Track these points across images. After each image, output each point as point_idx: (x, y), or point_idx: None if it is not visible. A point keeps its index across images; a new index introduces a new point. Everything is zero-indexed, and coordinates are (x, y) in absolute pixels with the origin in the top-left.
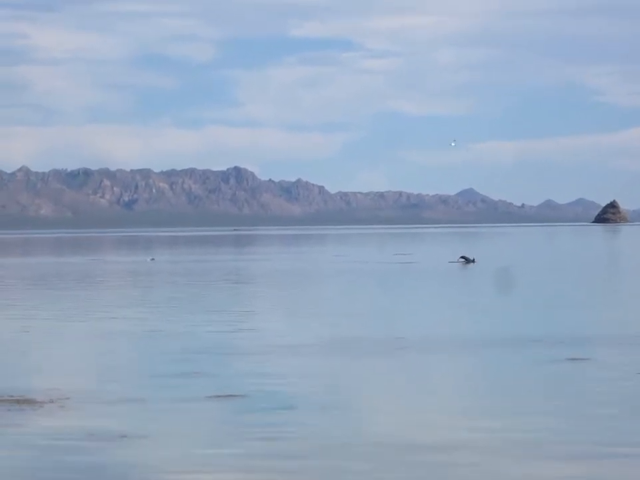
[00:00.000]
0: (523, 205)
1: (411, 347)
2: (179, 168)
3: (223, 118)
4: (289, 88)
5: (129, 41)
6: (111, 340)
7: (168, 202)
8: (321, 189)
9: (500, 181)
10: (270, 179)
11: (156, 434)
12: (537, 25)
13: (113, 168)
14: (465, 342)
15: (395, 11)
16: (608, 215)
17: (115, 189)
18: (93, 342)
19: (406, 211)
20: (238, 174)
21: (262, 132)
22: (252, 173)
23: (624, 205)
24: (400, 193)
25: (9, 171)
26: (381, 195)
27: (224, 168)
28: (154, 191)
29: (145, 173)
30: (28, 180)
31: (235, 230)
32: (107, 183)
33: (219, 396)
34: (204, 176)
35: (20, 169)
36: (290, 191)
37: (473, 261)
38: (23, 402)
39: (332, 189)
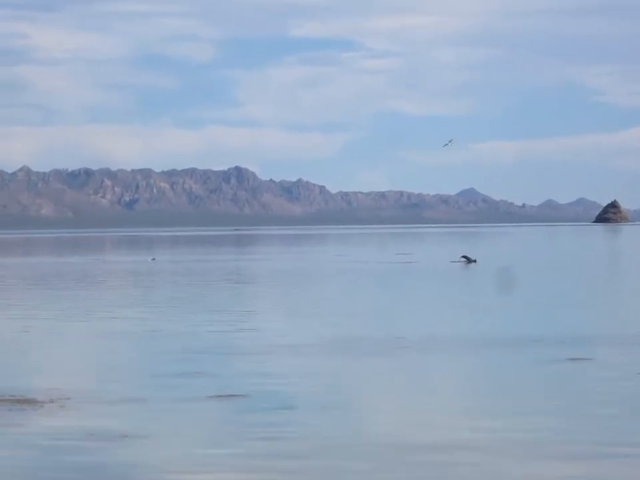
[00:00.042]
0: (523, 205)
1: (411, 347)
2: (179, 168)
3: (223, 118)
4: (289, 88)
5: (128, 41)
6: (112, 340)
7: (169, 202)
8: (322, 188)
9: (501, 181)
10: (271, 179)
11: (157, 434)
12: (537, 25)
13: (113, 168)
14: (466, 342)
15: (395, 10)
16: (609, 214)
17: (115, 188)
18: (93, 342)
19: (407, 210)
20: (239, 174)
21: (262, 132)
22: (253, 173)
23: (625, 205)
24: (401, 193)
25: (9, 171)
26: (382, 195)
27: (225, 168)
28: (155, 190)
29: (146, 173)
30: (29, 180)
31: (235, 230)
32: (107, 182)
33: (219, 396)
34: (205, 176)
35: (21, 169)
36: (291, 190)
37: (475, 261)
38: (24, 402)
39: (333, 188)
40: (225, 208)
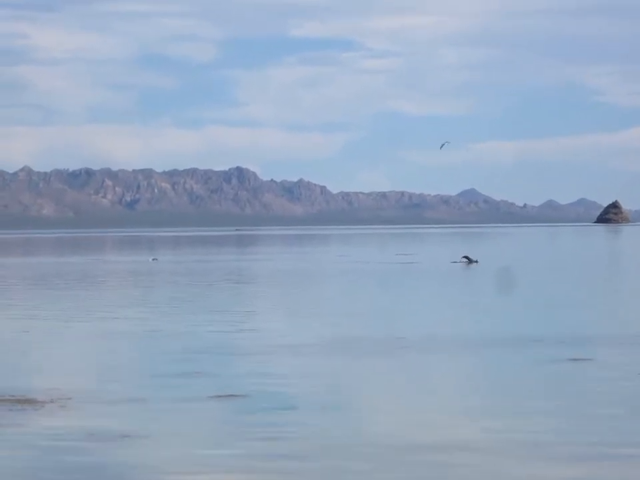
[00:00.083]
0: (524, 205)
1: (412, 347)
2: (180, 168)
3: (224, 118)
4: (289, 88)
5: (129, 41)
6: (112, 340)
7: (170, 202)
8: (323, 189)
9: (501, 181)
10: (272, 179)
11: (157, 434)
12: (537, 25)
13: (114, 168)
14: (466, 342)
15: (395, 10)
16: (610, 215)
17: (116, 188)
18: (94, 342)
19: (408, 211)
20: (240, 174)
21: (262, 132)
22: (254, 173)
23: (626, 205)
24: (402, 193)
25: (11, 171)
26: (383, 195)
27: (226, 168)
28: (156, 191)
29: (147, 173)
30: (30, 180)
31: (237, 230)
32: (108, 182)
33: (220, 396)
34: (206, 176)
35: (22, 169)
36: (292, 191)
37: (476, 261)
38: (24, 402)
39: (334, 189)
40: (226, 208)
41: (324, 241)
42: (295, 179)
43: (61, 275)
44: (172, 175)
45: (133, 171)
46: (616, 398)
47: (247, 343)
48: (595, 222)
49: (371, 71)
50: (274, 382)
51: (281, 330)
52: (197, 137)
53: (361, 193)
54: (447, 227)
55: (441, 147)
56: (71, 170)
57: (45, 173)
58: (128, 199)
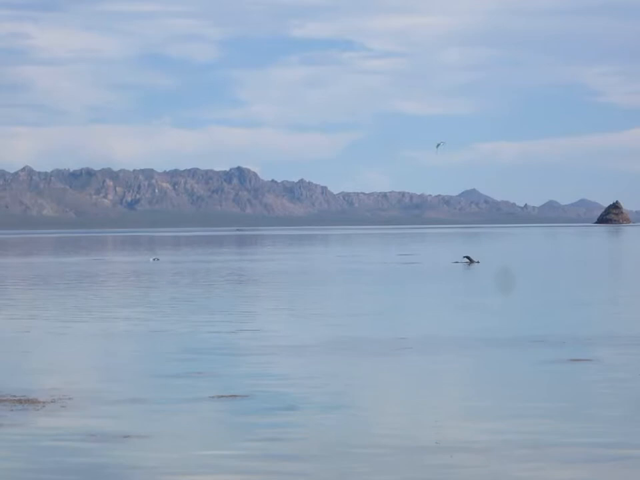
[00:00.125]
0: (525, 206)
1: (413, 348)
2: (181, 168)
3: (225, 118)
4: (291, 88)
5: (131, 41)
6: (113, 340)
7: (171, 202)
8: (324, 189)
9: (502, 182)
10: (272, 179)
11: (158, 434)
12: (538, 25)
13: (115, 168)
14: (468, 342)
15: (397, 10)
16: (610, 215)
17: (117, 189)
18: (95, 342)
19: (409, 211)
20: (240, 174)
21: (264, 132)
22: (254, 173)
23: (627, 206)
24: (403, 194)
25: (11, 171)
26: (384, 196)
27: (226, 168)
28: (157, 191)
29: (148, 173)
30: (31, 180)
31: (237, 230)
32: (109, 183)
33: (221, 396)
34: (206, 176)
35: (23, 169)
36: (293, 191)
37: (477, 262)
38: (26, 402)
39: (335, 189)
40: (226, 208)
41: (324, 241)
42: (296, 179)
43: (62, 275)
44: (173, 175)
45: (134, 171)
46: (618, 399)
47: (247, 343)
48: (596, 222)
49: (372, 70)
50: (275, 382)
51: (282, 330)
52: (198, 136)
53: (361, 193)
54: (447, 227)
55: (437, 146)
56: (71, 170)
57: (46, 173)
58: (129, 199)
